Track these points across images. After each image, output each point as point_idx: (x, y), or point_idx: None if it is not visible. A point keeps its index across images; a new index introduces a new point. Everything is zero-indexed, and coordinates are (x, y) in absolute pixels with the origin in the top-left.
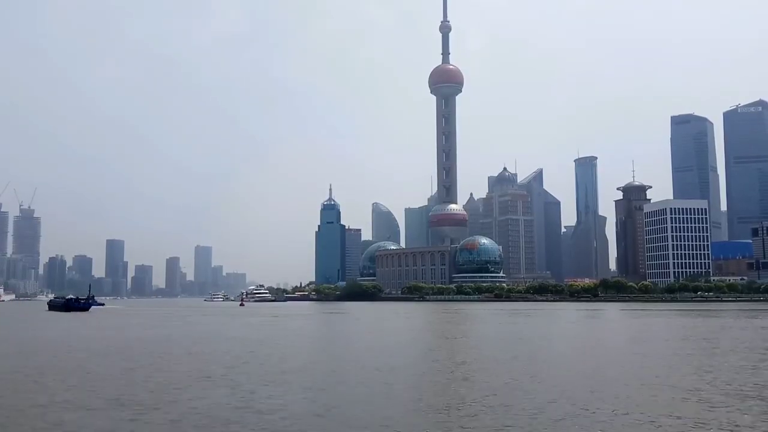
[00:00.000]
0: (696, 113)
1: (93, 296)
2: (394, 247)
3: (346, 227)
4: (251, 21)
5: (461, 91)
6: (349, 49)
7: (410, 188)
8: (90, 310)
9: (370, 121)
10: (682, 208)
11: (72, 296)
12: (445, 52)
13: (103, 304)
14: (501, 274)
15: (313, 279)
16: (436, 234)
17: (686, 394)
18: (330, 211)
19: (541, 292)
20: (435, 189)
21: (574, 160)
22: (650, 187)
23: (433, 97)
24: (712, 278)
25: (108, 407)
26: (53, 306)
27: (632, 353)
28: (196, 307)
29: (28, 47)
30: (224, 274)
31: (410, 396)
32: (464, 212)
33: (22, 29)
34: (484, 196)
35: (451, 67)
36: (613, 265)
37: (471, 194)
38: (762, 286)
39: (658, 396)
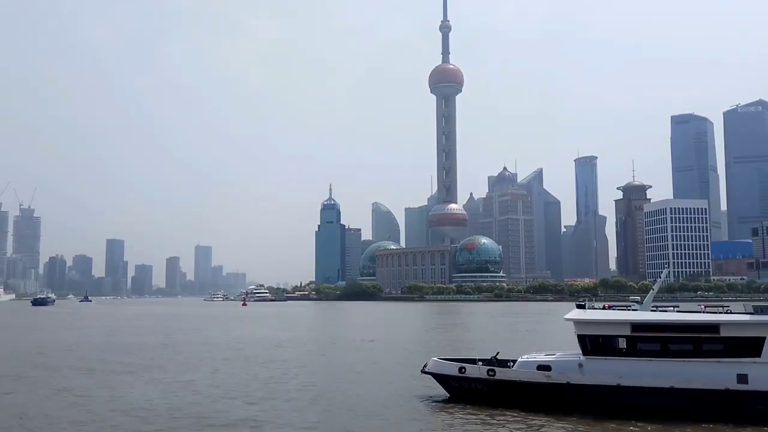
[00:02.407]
0: (696, 113)
1: (87, 295)
2: (394, 247)
3: (346, 227)
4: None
5: (461, 91)
6: (348, 48)
7: (410, 188)
8: (54, 304)
9: (370, 121)
10: (682, 208)
11: (41, 296)
12: (445, 52)
13: (90, 301)
14: (501, 274)
15: (313, 279)
16: (436, 234)
17: None
18: (330, 211)
19: (541, 291)
20: (435, 189)
21: (574, 160)
22: (650, 187)
23: (433, 97)
24: (712, 278)
25: None
26: (33, 302)
27: None
28: (186, 306)
29: (39, 49)
30: (224, 274)
31: None
32: (464, 212)
33: (35, 32)
34: (484, 196)
35: (451, 67)
36: (613, 265)
37: (471, 194)
38: (762, 286)
39: None
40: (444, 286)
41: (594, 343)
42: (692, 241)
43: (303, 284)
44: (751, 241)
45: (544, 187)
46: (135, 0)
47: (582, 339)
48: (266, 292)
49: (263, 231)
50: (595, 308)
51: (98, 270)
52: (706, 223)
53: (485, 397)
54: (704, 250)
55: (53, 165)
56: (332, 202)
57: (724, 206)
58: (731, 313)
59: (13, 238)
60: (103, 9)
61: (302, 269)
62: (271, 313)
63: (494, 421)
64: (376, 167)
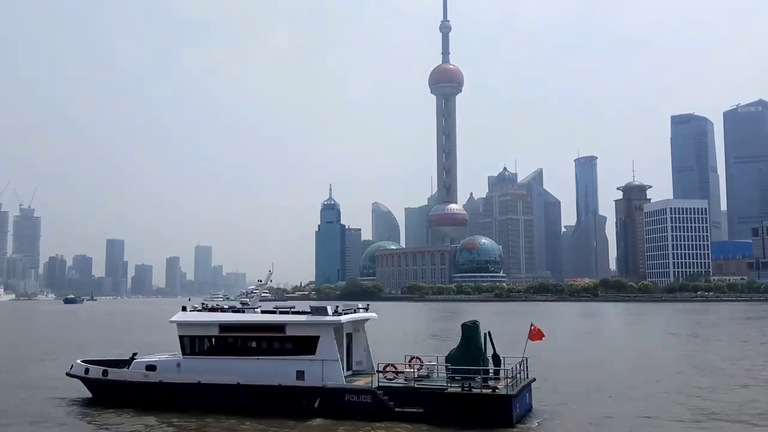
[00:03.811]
0: (696, 113)
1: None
2: (394, 247)
3: (346, 227)
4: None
5: (461, 91)
6: (351, 53)
7: (410, 188)
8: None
9: (370, 120)
10: (682, 208)
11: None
12: (445, 52)
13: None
14: (501, 274)
15: (314, 279)
16: (436, 234)
17: None
18: (330, 211)
19: (541, 291)
20: (435, 189)
21: (574, 160)
22: (650, 187)
23: (433, 97)
24: (712, 278)
25: None
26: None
27: None
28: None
29: (42, 49)
30: (224, 274)
31: None
32: (464, 212)
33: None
34: (484, 196)
35: (451, 67)
36: (613, 265)
37: (471, 194)
38: (762, 286)
39: None
40: (444, 286)
41: (190, 344)
42: (692, 241)
43: (303, 284)
44: (751, 241)
45: (544, 187)
46: (152, 7)
47: (182, 340)
48: (266, 292)
49: (263, 231)
50: (195, 310)
51: (98, 270)
52: (706, 223)
53: (101, 398)
54: (704, 250)
55: (53, 164)
56: (332, 202)
57: (724, 206)
58: (297, 313)
59: (13, 238)
60: (116, 12)
61: (302, 269)
62: None
63: (93, 423)
64: (376, 167)
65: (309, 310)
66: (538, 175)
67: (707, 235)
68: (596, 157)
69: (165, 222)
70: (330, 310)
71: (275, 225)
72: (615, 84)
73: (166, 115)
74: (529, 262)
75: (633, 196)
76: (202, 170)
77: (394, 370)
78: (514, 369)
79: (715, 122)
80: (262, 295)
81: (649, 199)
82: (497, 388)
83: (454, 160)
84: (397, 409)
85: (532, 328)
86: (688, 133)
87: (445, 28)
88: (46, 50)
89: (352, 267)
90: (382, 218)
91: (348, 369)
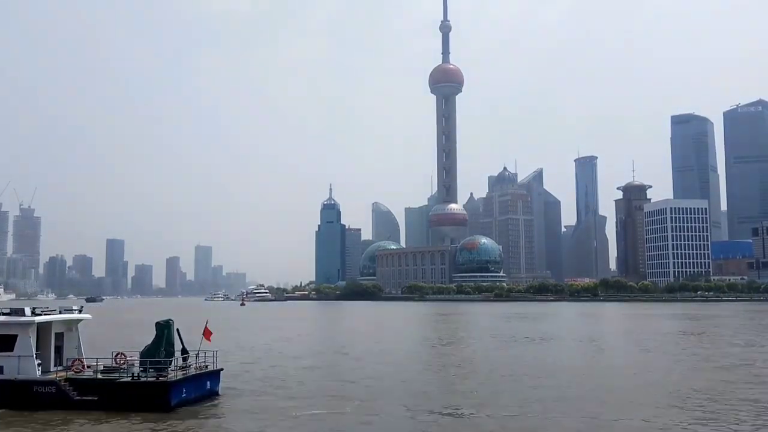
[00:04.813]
0: (696, 113)
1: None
2: (394, 247)
3: (346, 227)
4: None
5: (461, 91)
6: (347, 48)
7: (410, 188)
8: (103, 302)
9: (370, 120)
10: (682, 208)
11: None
12: (445, 52)
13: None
14: (501, 274)
15: (313, 279)
16: (436, 234)
17: None
18: (330, 211)
19: (541, 291)
20: (435, 189)
21: (574, 160)
22: (650, 186)
23: (433, 97)
24: (712, 278)
25: None
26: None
27: None
28: (206, 306)
29: (43, 49)
30: (224, 274)
31: None
32: (464, 212)
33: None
34: (484, 196)
35: (451, 66)
36: (613, 265)
37: (471, 194)
38: (762, 286)
39: None
40: (444, 286)
41: None
42: (692, 241)
43: (303, 284)
44: (751, 241)
45: (544, 187)
46: (150, 7)
47: None
48: (266, 292)
49: (263, 231)
50: None
51: (98, 270)
52: (706, 223)
53: None
54: (704, 250)
55: (53, 165)
56: (332, 202)
57: (724, 206)
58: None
59: (13, 238)
60: (116, 12)
61: (302, 269)
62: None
63: None
64: (376, 167)
65: (8, 311)
66: (538, 175)
67: (707, 235)
68: (596, 157)
69: (165, 222)
70: (28, 311)
71: (275, 225)
72: (615, 84)
73: (166, 115)
74: (529, 262)
75: (633, 196)
76: (202, 170)
77: (80, 364)
78: (188, 360)
79: (715, 122)
80: (262, 295)
81: (649, 199)
82: (161, 377)
83: (454, 160)
84: (77, 398)
85: (205, 328)
86: (688, 133)
87: (445, 28)
88: (46, 50)
89: (352, 267)
90: (382, 218)
91: (60, 364)
